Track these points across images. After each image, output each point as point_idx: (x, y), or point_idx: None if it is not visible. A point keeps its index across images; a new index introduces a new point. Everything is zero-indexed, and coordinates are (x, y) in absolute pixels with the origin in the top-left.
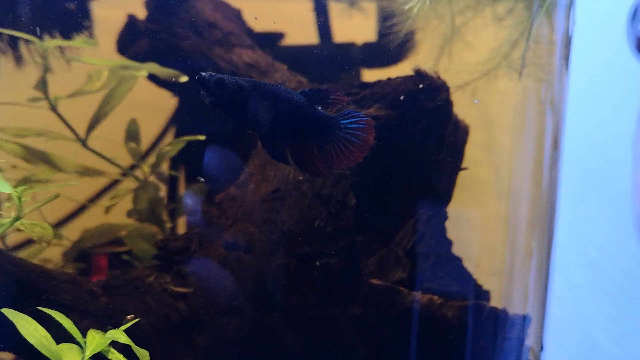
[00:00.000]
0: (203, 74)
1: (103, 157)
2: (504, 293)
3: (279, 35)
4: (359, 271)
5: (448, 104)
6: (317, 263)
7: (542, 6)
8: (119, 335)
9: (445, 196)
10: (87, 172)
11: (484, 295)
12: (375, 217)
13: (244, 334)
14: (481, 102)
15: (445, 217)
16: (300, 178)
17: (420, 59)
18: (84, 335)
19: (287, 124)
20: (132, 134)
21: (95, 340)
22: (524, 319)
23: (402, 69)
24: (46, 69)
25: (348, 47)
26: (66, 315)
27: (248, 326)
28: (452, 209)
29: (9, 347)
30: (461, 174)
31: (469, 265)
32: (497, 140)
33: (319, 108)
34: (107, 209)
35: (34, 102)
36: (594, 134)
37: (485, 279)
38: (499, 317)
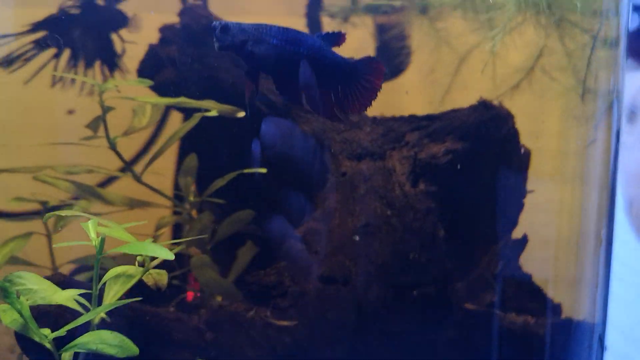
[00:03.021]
0: (214, 22)
1: (157, 191)
2: (578, 295)
3: None
4: (453, 297)
5: (514, 132)
6: (414, 292)
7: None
8: None
9: (515, 219)
10: (137, 204)
11: (557, 308)
12: (461, 245)
13: None
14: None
15: (525, 240)
16: (388, 213)
17: (436, 77)
18: None
19: (300, 66)
20: (187, 170)
21: None
22: (594, 326)
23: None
24: (105, 109)
25: None
26: (181, 353)
27: (352, 356)
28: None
29: None
30: None
31: (539, 280)
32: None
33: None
34: (155, 239)
35: (88, 140)
36: None
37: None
38: (577, 329)
